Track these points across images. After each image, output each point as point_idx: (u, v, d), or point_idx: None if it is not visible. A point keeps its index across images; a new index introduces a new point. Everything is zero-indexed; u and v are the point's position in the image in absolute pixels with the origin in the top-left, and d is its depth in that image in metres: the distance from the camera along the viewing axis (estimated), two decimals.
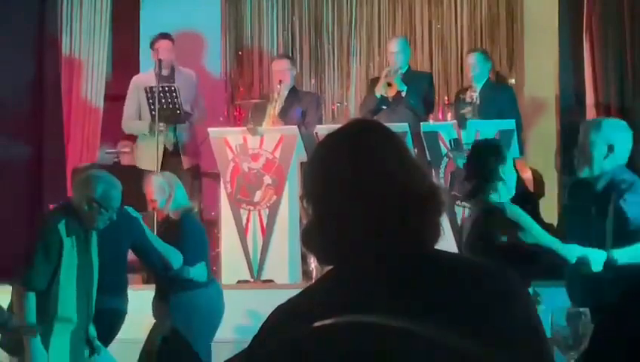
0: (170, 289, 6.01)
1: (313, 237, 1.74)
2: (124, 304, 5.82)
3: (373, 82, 8.36)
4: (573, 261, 4.42)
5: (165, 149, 7.98)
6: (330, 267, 1.74)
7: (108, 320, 5.62)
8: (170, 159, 7.97)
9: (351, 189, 1.70)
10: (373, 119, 1.79)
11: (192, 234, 6.18)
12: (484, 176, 4.54)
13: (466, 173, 4.76)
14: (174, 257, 5.94)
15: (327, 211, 1.72)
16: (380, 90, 8.04)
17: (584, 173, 4.56)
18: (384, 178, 1.71)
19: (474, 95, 7.69)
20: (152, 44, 8.18)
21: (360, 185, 1.70)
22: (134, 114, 8.12)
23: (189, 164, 8.11)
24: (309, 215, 1.75)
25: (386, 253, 1.68)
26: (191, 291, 6.02)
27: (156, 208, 6.17)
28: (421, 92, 8.11)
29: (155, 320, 6.15)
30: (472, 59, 8.17)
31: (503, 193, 4.54)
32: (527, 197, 7.96)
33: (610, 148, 4.49)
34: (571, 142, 8.33)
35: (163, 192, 6.14)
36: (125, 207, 5.87)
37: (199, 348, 5.91)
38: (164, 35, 8.17)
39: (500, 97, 7.94)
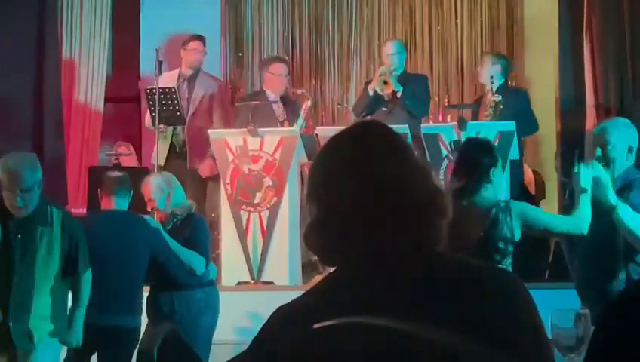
0: (172, 289, 5.98)
1: (315, 238, 1.74)
2: (137, 319, 5.80)
3: (368, 84, 8.35)
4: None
5: (174, 147, 8.08)
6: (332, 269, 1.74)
7: (119, 338, 5.62)
8: (177, 160, 8.04)
9: (353, 191, 1.71)
10: (377, 120, 1.79)
11: (205, 232, 6.20)
12: (474, 176, 4.52)
13: (455, 169, 4.72)
14: (198, 262, 5.95)
15: (329, 212, 1.72)
16: (375, 87, 8.03)
17: None
18: (386, 180, 1.71)
19: (496, 99, 7.64)
20: (184, 45, 8.28)
21: (362, 186, 1.70)
22: None
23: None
24: (312, 215, 1.75)
25: (386, 254, 1.68)
26: (199, 289, 6.02)
27: (154, 207, 6.17)
28: (417, 94, 8.10)
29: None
30: (484, 62, 8.12)
31: (489, 194, 4.53)
32: (528, 200, 7.96)
33: (630, 150, 4.52)
34: (571, 143, 8.38)
35: (161, 191, 6.14)
36: (144, 217, 5.91)
37: (201, 348, 5.92)
38: (197, 37, 8.29)
39: (516, 101, 7.86)
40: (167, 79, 8.23)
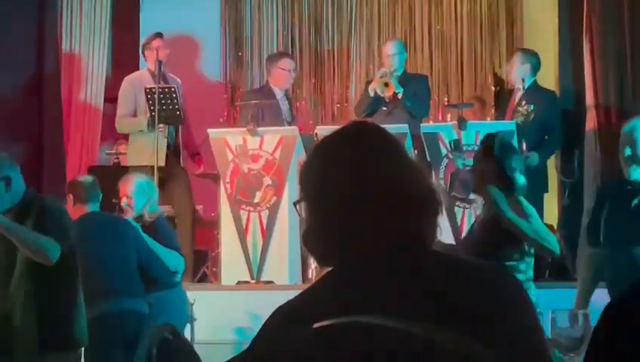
0: (149, 289, 5.98)
1: (314, 239, 1.74)
2: (140, 304, 5.79)
3: (369, 84, 8.34)
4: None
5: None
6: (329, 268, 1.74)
7: (130, 322, 5.64)
8: (168, 158, 7.93)
9: (349, 191, 1.71)
10: (370, 121, 1.80)
11: (171, 236, 6.18)
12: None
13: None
14: (178, 261, 5.96)
15: (326, 213, 1.72)
16: (376, 89, 8.01)
17: (636, 174, 4.53)
18: (382, 179, 1.71)
19: (528, 109, 7.61)
20: (148, 45, 8.13)
21: (358, 186, 1.70)
22: (129, 113, 8.06)
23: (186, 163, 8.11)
24: (306, 217, 1.75)
25: (385, 253, 1.69)
26: (169, 290, 6.03)
27: (130, 205, 6.08)
28: (418, 95, 8.09)
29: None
30: (514, 61, 8.02)
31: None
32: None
33: None
34: (571, 143, 8.38)
35: (143, 193, 6.09)
36: (127, 218, 5.90)
37: None
38: (159, 34, 8.14)
39: (545, 107, 7.78)
40: (137, 79, 8.06)
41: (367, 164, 1.73)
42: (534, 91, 7.86)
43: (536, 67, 7.99)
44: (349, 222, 1.70)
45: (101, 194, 5.92)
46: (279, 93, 8.20)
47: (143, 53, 8.21)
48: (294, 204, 1.79)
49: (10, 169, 4.77)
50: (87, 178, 6.06)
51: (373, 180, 1.71)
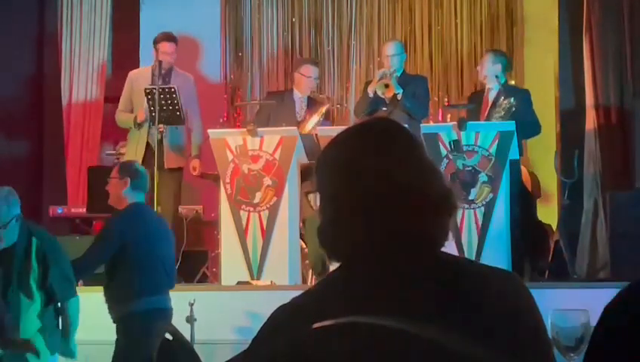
0: None
1: (327, 235, 1.73)
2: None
3: (369, 84, 8.34)
4: None
5: (149, 146, 7.88)
6: (330, 268, 1.74)
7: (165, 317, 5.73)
8: (152, 158, 7.84)
9: (364, 189, 1.70)
10: (390, 118, 1.79)
11: None
12: None
13: None
14: None
15: (340, 210, 1.71)
16: (377, 90, 8.00)
17: None
18: (397, 179, 1.70)
19: (510, 102, 7.59)
20: (155, 43, 8.11)
21: (373, 185, 1.69)
22: (125, 108, 8.06)
23: (174, 164, 8.02)
24: (322, 213, 1.74)
25: (391, 253, 1.68)
26: None
27: None
28: (417, 96, 8.08)
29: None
30: (485, 60, 8.03)
31: None
32: (525, 198, 7.95)
33: None
34: (571, 143, 8.39)
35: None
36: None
37: None
38: (169, 38, 8.10)
39: (521, 101, 7.79)
40: (139, 74, 8.07)
41: (381, 162, 1.72)
42: (509, 88, 7.88)
43: (505, 67, 7.98)
44: (361, 221, 1.69)
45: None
46: (299, 97, 8.22)
47: (155, 47, 8.11)
48: (306, 194, 1.79)
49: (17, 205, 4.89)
50: (142, 167, 6.00)
51: (391, 178, 1.70)
